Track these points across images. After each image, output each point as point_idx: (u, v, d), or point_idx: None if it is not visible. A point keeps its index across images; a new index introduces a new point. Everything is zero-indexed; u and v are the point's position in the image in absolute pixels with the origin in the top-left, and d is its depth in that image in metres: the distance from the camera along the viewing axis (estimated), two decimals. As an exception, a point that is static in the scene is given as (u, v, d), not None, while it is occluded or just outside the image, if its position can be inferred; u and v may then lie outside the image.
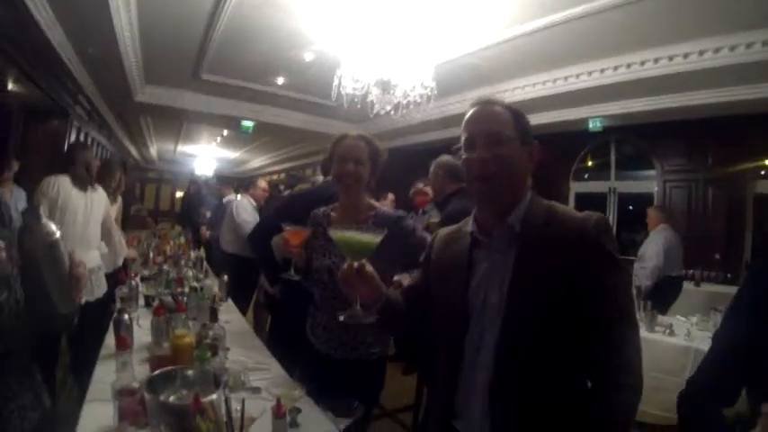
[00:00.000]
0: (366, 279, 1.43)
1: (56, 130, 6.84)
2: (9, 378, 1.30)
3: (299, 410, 1.66)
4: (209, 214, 8.14)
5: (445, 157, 3.66)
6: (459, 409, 1.45)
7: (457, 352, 1.45)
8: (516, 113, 1.45)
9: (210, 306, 2.22)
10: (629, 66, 5.46)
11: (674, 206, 6.97)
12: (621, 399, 1.26)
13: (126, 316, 2.44)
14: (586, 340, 1.29)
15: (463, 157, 1.45)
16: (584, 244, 1.30)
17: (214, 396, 1.36)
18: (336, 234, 1.46)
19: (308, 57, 6.28)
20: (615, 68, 5.58)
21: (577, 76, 5.96)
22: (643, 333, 4.15)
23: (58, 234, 1.25)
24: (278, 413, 1.43)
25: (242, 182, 8.08)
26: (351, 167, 2.22)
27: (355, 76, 4.51)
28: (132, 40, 5.86)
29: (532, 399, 1.31)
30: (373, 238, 1.43)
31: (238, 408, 1.35)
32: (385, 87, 4.49)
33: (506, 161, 1.38)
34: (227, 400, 1.30)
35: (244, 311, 4.45)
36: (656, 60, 5.22)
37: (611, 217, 7.88)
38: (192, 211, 9.73)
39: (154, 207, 21.56)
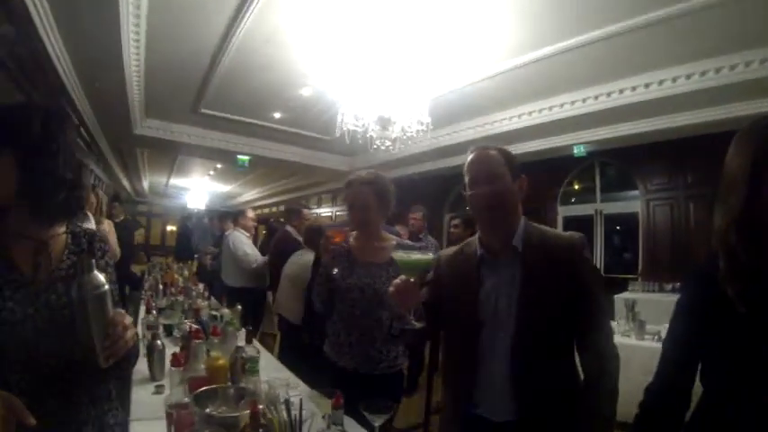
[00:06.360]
0: (417, 291, 1.70)
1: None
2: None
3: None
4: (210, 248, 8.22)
5: None
6: (479, 399, 1.75)
7: (472, 351, 1.75)
8: (507, 154, 1.82)
9: (247, 329, 2.45)
10: (609, 94, 5.82)
11: (658, 223, 7.26)
12: (611, 366, 1.66)
13: (158, 341, 2.65)
14: (578, 328, 1.69)
15: (468, 193, 1.80)
16: (574, 256, 1.70)
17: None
18: (398, 255, 1.72)
19: (305, 92, 6.53)
20: (596, 97, 5.94)
21: (561, 105, 6.30)
22: (633, 341, 4.50)
23: (106, 287, 1.26)
24: (336, 404, 1.63)
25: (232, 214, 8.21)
26: (356, 214, 2.55)
27: (357, 114, 4.79)
28: (138, 75, 6.08)
29: (544, 381, 1.66)
30: (431, 255, 1.75)
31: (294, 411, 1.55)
32: (384, 124, 4.75)
33: (502, 194, 1.74)
34: (287, 402, 1.51)
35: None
36: (633, 88, 5.59)
37: (599, 238, 8.14)
38: (188, 245, 9.89)
39: (145, 242, 21.15)
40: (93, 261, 1.29)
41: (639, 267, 7.50)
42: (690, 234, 6.85)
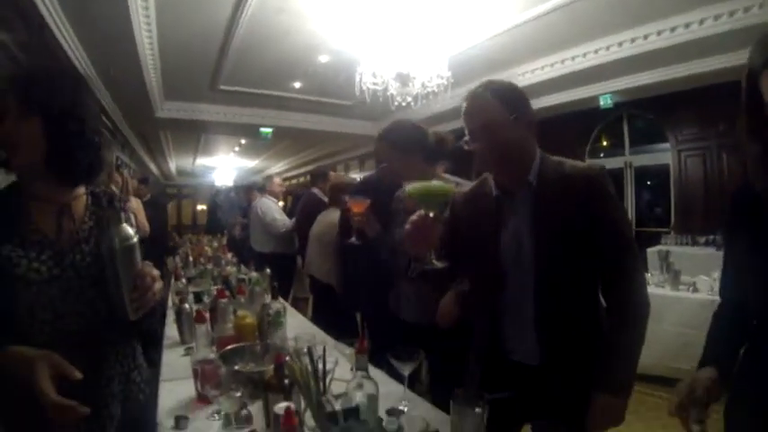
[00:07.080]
0: (436, 228, 1.51)
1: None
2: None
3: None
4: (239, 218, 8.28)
5: None
6: (512, 346, 1.68)
7: (498, 294, 1.68)
8: (503, 94, 1.63)
9: (272, 284, 2.46)
10: (633, 40, 5.63)
11: (690, 174, 7.11)
12: (640, 312, 1.57)
13: (186, 305, 2.69)
14: (604, 270, 1.61)
15: (470, 148, 1.66)
16: (592, 189, 1.58)
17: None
18: (411, 186, 1.51)
19: (323, 59, 6.47)
20: (620, 44, 5.75)
21: (584, 54, 6.13)
22: (667, 291, 4.36)
23: (135, 239, 1.27)
24: (360, 349, 1.54)
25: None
26: (384, 170, 2.52)
27: (375, 72, 4.73)
28: (153, 57, 6.10)
29: (568, 322, 1.58)
30: (448, 185, 1.56)
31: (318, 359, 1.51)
32: (404, 80, 4.69)
33: (502, 144, 1.59)
34: (309, 350, 1.48)
35: (283, 305, 4.67)
36: (659, 33, 5.39)
37: (629, 191, 8.01)
38: (219, 220, 9.96)
39: (176, 222, 20.96)
40: (122, 213, 1.31)
41: (672, 220, 7.37)
42: (723, 184, 6.67)
